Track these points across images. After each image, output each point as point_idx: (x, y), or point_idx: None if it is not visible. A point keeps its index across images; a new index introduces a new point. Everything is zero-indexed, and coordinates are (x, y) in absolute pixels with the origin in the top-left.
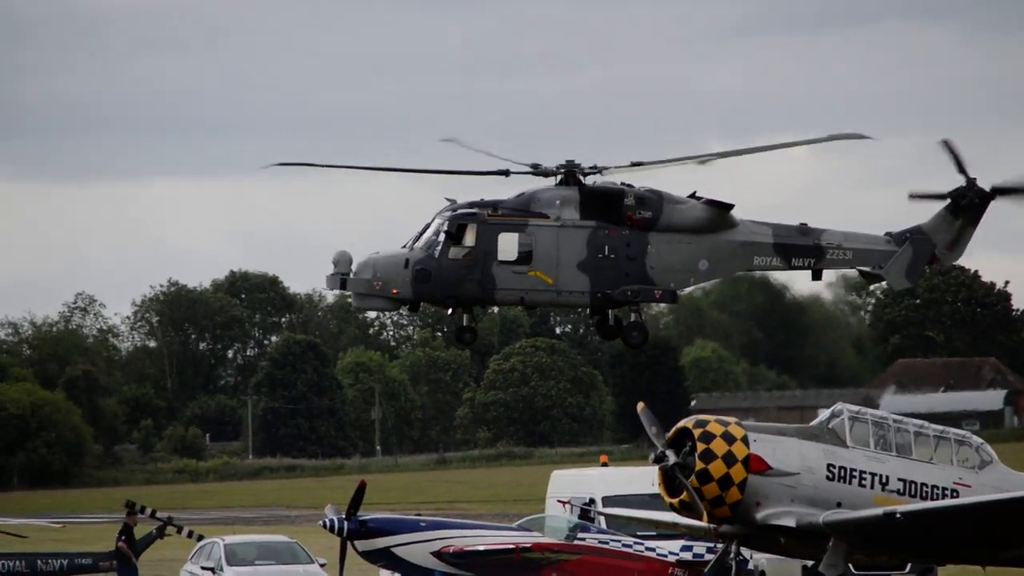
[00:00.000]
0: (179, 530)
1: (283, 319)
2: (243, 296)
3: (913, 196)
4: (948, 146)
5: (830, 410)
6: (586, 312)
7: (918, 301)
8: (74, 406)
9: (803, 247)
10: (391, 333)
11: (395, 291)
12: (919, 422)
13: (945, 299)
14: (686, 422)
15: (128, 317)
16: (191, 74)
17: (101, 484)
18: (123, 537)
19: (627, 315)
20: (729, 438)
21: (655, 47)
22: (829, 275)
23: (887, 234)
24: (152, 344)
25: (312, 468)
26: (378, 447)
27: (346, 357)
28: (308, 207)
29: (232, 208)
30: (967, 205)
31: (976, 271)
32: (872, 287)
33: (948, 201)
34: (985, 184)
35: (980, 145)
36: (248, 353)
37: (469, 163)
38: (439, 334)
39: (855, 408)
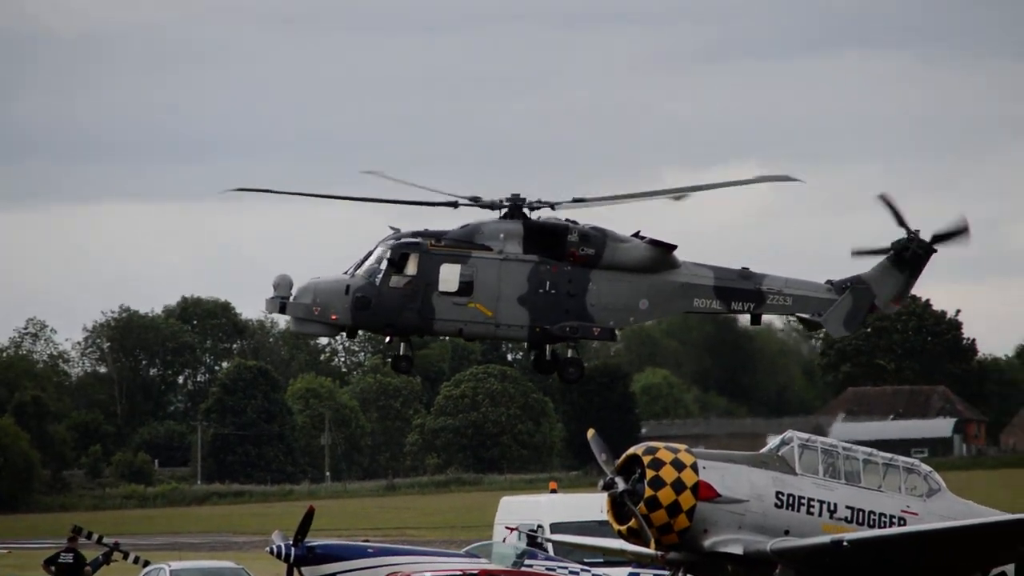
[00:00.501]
0: (125, 556)
1: (234, 345)
2: (195, 322)
3: (856, 253)
4: (886, 200)
5: (780, 437)
6: (524, 346)
7: (869, 330)
8: (23, 431)
9: (744, 291)
10: (342, 359)
11: (334, 317)
12: (868, 450)
13: (896, 327)
14: (636, 449)
15: (79, 343)
16: (143, 99)
17: (49, 509)
18: (50, 564)
19: (564, 351)
20: (679, 465)
21: (611, 73)
22: None
23: (828, 282)
24: (102, 370)
25: (261, 494)
26: (327, 473)
27: (297, 383)
28: (261, 233)
29: (185, 234)
30: (910, 257)
31: (927, 300)
32: None
33: (890, 252)
34: (927, 231)
35: (934, 175)
36: (199, 379)
37: (401, 194)
38: (389, 360)
39: (805, 436)
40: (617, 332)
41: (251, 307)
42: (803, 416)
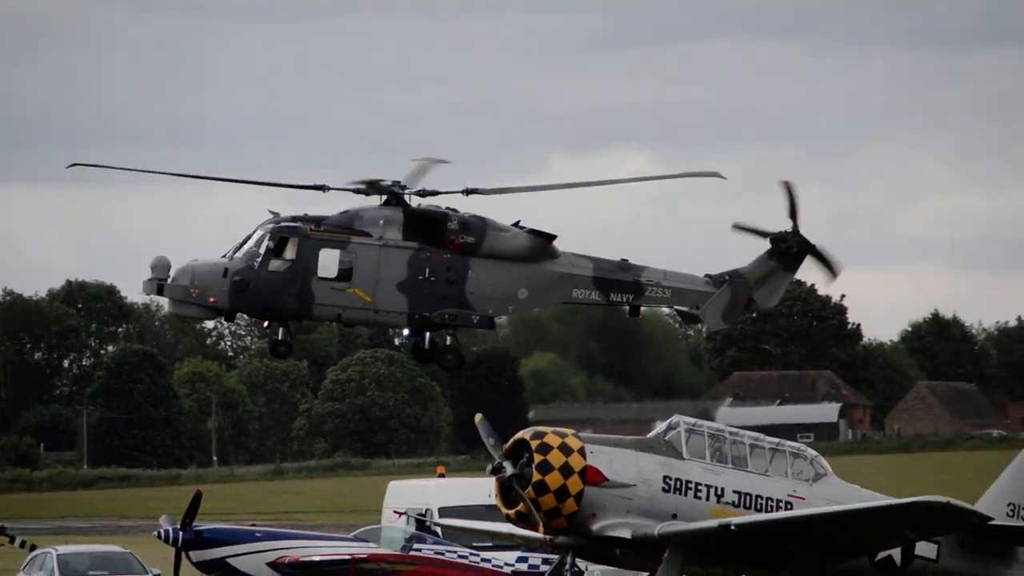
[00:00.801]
0: (11, 540)
1: (120, 329)
2: (80, 306)
3: (737, 227)
4: (788, 188)
5: (667, 422)
6: (403, 333)
7: (754, 315)
8: None
9: (623, 283)
10: (229, 343)
11: (212, 300)
12: (755, 435)
13: (781, 312)
14: (523, 433)
15: None
16: (27, 80)
17: None
18: None
19: (443, 339)
20: (566, 449)
21: (501, 60)
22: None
23: (706, 275)
24: None
25: (147, 478)
26: (214, 457)
27: (183, 367)
28: (147, 217)
29: (69, 217)
30: (786, 251)
31: (812, 285)
32: None
33: (769, 246)
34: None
35: (819, 163)
36: (84, 363)
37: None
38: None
39: (691, 420)
40: (496, 321)
41: (136, 291)
42: (690, 400)
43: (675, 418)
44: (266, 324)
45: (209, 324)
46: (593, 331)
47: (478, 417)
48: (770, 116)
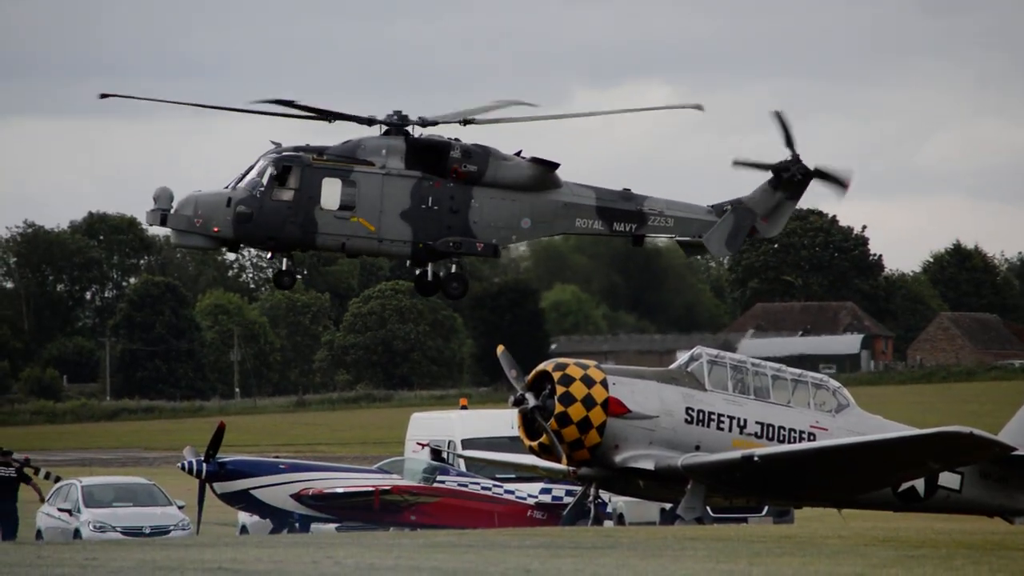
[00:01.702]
0: (36, 472)
1: (141, 261)
2: (101, 238)
3: (738, 163)
4: (780, 118)
5: (689, 354)
6: (406, 264)
7: (776, 246)
8: None
9: (625, 212)
10: (250, 275)
11: (216, 229)
12: (777, 366)
13: (803, 243)
14: (546, 365)
15: None
16: (47, 14)
17: None
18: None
19: (448, 267)
20: (588, 381)
21: None
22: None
23: (709, 206)
24: (9, 285)
25: (171, 410)
26: (237, 389)
27: (205, 299)
28: (169, 148)
29: (91, 148)
30: (788, 180)
31: (834, 216)
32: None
33: (771, 175)
34: (809, 162)
35: (841, 93)
36: (106, 295)
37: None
38: (298, 277)
39: (714, 352)
40: (500, 249)
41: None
42: (712, 332)
43: (697, 349)
44: (269, 255)
45: (231, 256)
46: (615, 263)
47: (500, 349)
48: (789, 48)
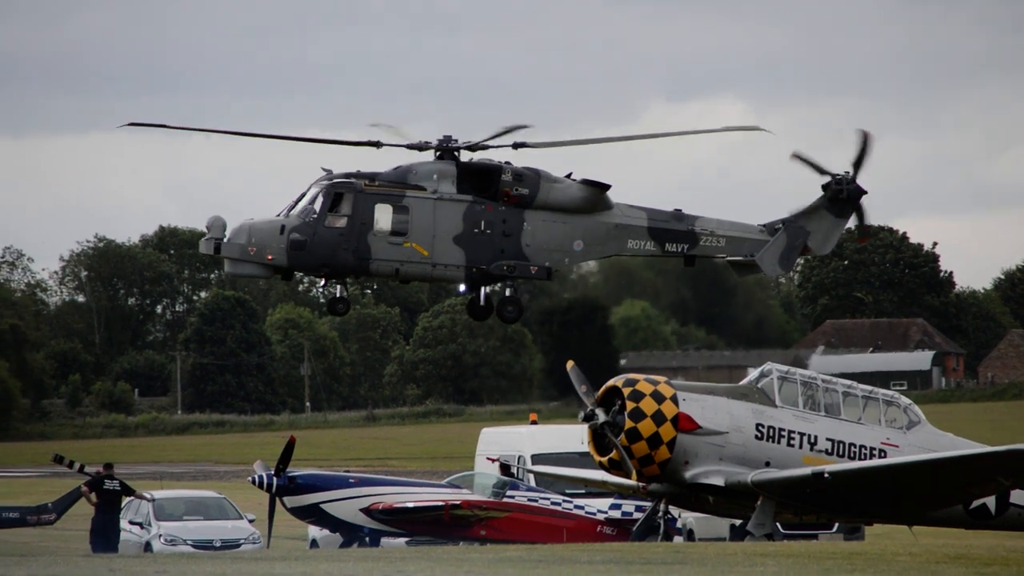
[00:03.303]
0: (70, 465)
1: (212, 275)
2: (172, 251)
3: (796, 156)
4: (864, 137)
5: (759, 370)
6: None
7: (846, 262)
8: (1, 360)
9: (677, 232)
10: (320, 290)
11: (270, 257)
12: (848, 382)
13: (873, 260)
14: (616, 381)
15: (56, 272)
16: (124, 30)
17: (29, 438)
18: (93, 489)
19: (502, 290)
20: (659, 397)
21: (591, 8)
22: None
23: (761, 225)
24: (80, 299)
25: (241, 424)
26: (307, 403)
27: (275, 314)
28: (239, 163)
29: (162, 162)
30: (835, 195)
31: (904, 232)
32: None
33: (823, 193)
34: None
35: (912, 111)
36: (177, 309)
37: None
38: (368, 292)
39: (784, 368)
40: (552, 272)
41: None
42: (782, 349)
43: (767, 366)
44: (323, 282)
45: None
46: (684, 278)
47: (570, 364)
48: (861, 65)
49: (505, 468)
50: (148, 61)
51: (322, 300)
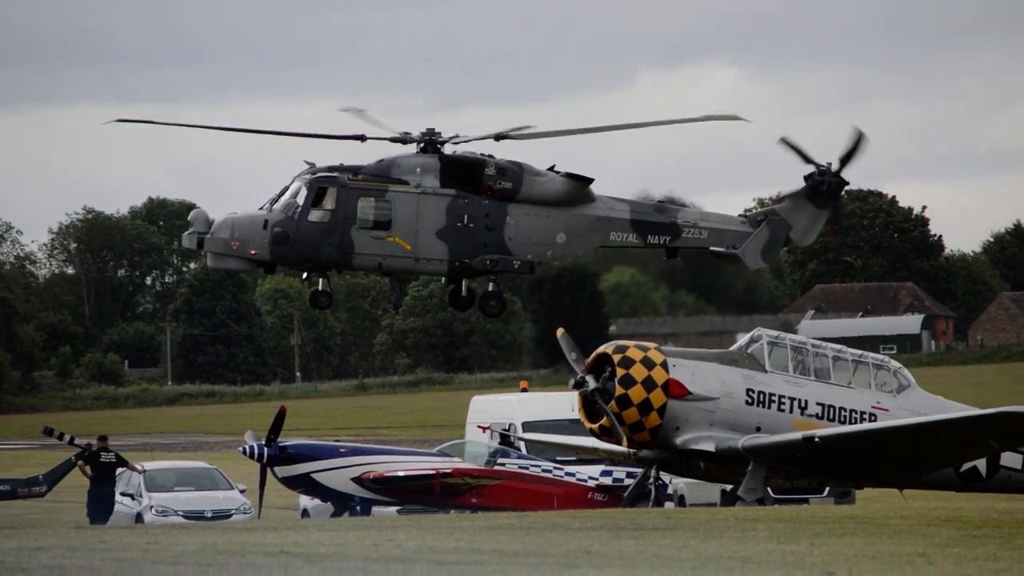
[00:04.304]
0: (60, 437)
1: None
2: (161, 223)
3: (784, 141)
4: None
5: (749, 335)
6: (441, 281)
7: (835, 227)
8: None
9: (659, 224)
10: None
11: (253, 252)
12: (837, 346)
13: (863, 224)
14: (605, 347)
15: (45, 244)
16: (111, 2)
17: (19, 411)
18: (88, 462)
19: (485, 284)
20: (648, 363)
21: None
22: (750, 198)
23: (742, 215)
24: (70, 271)
25: (231, 394)
26: (297, 373)
27: (265, 284)
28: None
29: (151, 135)
30: (815, 187)
31: (893, 196)
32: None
33: (803, 185)
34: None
35: (901, 74)
36: (166, 280)
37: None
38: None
39: (774, 333)
40: (536, 266)
41: (218, 208)
42: (772, 314)
43: (757, 331)
44: (305, 275)
45: None
46: None
47: (560, 332)
48: (851, 28)
49: (504, 437)
50: (136, 36)
51: None
